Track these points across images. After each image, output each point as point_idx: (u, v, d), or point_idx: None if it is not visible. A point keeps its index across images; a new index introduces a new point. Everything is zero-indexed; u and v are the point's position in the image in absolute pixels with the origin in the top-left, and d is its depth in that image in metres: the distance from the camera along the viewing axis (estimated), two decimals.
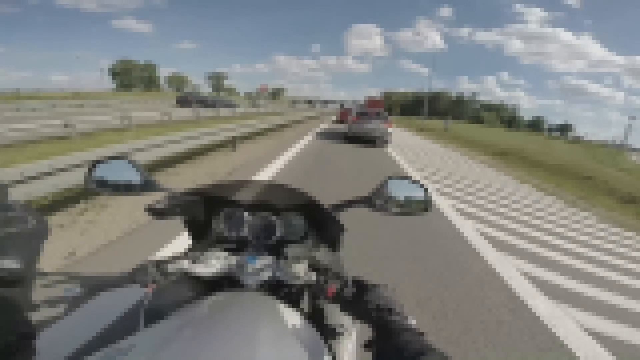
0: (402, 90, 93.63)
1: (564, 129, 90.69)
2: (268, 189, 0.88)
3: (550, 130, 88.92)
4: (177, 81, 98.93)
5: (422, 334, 0.50)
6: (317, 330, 0.61)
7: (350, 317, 0.61)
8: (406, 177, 0.89)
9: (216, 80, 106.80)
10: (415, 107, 68.86)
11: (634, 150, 69.20)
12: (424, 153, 10.92)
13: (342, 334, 0.73)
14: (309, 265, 0.70)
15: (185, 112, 14.85)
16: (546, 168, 10.19)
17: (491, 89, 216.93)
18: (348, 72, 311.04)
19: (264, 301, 0.60)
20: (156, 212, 0.74)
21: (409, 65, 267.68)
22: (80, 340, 1.49)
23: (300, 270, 0.67)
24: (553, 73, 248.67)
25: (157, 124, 10.98)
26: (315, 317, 0.70)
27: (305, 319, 0.62)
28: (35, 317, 0.42)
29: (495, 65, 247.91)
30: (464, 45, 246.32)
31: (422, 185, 0.88)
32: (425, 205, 0.87)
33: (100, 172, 0.78)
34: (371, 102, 35.59)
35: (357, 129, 11.19)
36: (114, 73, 79.87)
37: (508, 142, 19.94)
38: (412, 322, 0.54)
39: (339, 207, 0.85)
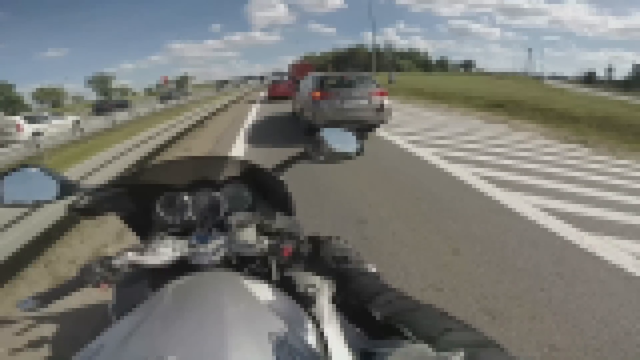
0: (318, 53, 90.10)
1: (468, 65, 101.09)
2: (201, 163, 0.86)
3: (460, 66, 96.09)
4: (47, 96, 79.62)
5: (377, 276, 0.53)
6: (290, 296, 0.59)
7: (320, 275, 0.62)
8: (335, 127, 0.93)
9: (102, 83, 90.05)
10: (337, 67, 68.47)
11: (541, 77, 71.58)
12: (419, 123, 7.31)
13: (315, 294, 0.65)
14: (261, 231, 0.68)
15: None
16: (592, 125, 6.99)
17: (392, 39, 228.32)
18: (259, 45, 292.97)
19: (226, 278, 0.58)
20: (81, 211, 0.71)
21: (318, 28, 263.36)
22: (51, 349, 1.47)
23: (249, 237, 0.64)
24: (440, 17, 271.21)
25: None
26: (287, 284, 0.66)
27: (275, 287, 0.59)
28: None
29: (391, 16, 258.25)
30: (361, 1, 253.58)
31: (350, 131, 0.93)
32: (359, 149, 0.93)
33: (11, 183, 0.70)
34: (299, 68, 32.27)
35: (332, 113, 5.85)
36: None
37: (467, 87, 18.33)
38: (369, 266, 0.58)
39: (279, 168, 0.86)
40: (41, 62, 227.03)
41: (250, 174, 0.83)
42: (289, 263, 0.62)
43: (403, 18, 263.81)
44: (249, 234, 0.63)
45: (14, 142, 8.93)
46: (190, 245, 0.64)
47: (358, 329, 0.49)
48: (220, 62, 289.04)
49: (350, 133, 0.91)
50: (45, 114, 12.91)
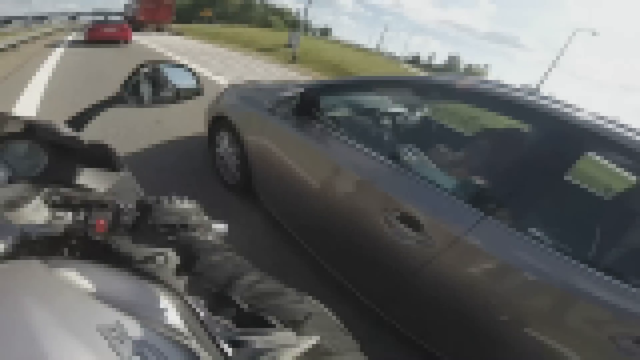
0: None
1: (325, 32, 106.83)
2: None
3: (319, 32, 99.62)
4: None
5: (231, 250, 0.47)
6: (123, 277, 0.45)
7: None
8: (164, 62, 0.77)
9: None
10: (194, 11, 54.47)
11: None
12: None
13: (156, 271, 0.51)
14: (62, 205, 0.51)
15: None
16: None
17: None
18: None
19: (25, 269, 0.41)
20: None
21: None
22: None
23: (34, 216, 0.46)
24: None
25: None
26: (118, 261, 0.50)
27: (104, 269, 0.45)
28: None
29: None
30: None
31: (189, 69, 0.80)
32: (195, 90, 0.80)
33: None
34: (150, 4, 22.52)
35: None
36: None
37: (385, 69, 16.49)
38: (220, 226, 0.50)
39: (78, 121, 0.70)
40: None
41: (33, 133, 0.63)
42: (107, 238, 0.49)
43: None
44: (31, 213, 0.46)
45: None
46: None
47: (218, 317, 0.42)
48: None
49: (185, 70, 0.82)
50: None
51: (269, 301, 0.44)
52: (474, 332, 1.04)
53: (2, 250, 0.42)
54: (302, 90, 1.63)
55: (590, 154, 1.04)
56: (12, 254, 0.43)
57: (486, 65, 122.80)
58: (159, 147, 2.68)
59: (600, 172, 1.47)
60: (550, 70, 21.00)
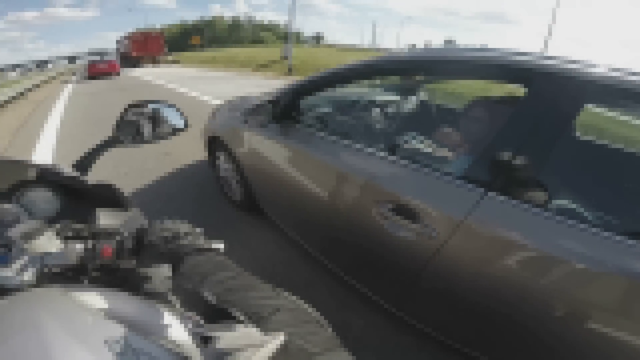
0: (158, 26, 78.43)
1: (318, 38, 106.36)
2: None
3: (313, 39, 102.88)
4: None
5: (216, 251, 0.50)
6: (125, 295, 0.50)
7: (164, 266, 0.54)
8: (151, 101, 0.82)
9: None
10: (184, 40, 62.34)
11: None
12: None
13: (150, 284, 0.58)
14: (72, 237, 0.56)
15: None
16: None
17: (242, 10, 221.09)
18: (65, 23, 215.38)
19: (44, 294, 0.47)
20: None
21: (154, 1, 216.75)
22: None
23: (47, 247, 0.50)
24: None
25: None
26: (129, 282, 0.57)
27: (106, 291, 0.50)
28: None
29: None
30: None
31: (173, 106, 0.83)
32: (182, 125, 0.83)
33: None
34: (139, 40, 23.31)
35: None
36: None
37: None
38: (214, 243, 0.52)
39: (82, 164, 0.77)
40: None
41: (46, 179, 0.69)
42: (114, 262, 0.54)
43: None
44: (45, 244, 0.50)
45: None
46: None
47: (191, 313, 0.46)
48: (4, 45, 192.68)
49: (171, 108, 0.86)
50: None
51: (237, 295, 0.44)
52: (499, 323, 0.93)
53: (28, 279, 0.49)
54: (274, 96, 1.56)
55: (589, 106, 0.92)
56: (36, 284, 0.50)
57: (484, 44, 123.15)
58: (172, 177, 2.79)
59: (606, 123, 1.26)
60: (550, 36, 20.07)
